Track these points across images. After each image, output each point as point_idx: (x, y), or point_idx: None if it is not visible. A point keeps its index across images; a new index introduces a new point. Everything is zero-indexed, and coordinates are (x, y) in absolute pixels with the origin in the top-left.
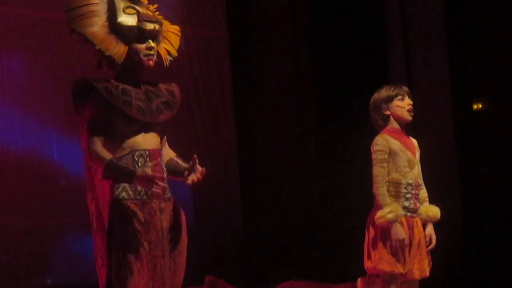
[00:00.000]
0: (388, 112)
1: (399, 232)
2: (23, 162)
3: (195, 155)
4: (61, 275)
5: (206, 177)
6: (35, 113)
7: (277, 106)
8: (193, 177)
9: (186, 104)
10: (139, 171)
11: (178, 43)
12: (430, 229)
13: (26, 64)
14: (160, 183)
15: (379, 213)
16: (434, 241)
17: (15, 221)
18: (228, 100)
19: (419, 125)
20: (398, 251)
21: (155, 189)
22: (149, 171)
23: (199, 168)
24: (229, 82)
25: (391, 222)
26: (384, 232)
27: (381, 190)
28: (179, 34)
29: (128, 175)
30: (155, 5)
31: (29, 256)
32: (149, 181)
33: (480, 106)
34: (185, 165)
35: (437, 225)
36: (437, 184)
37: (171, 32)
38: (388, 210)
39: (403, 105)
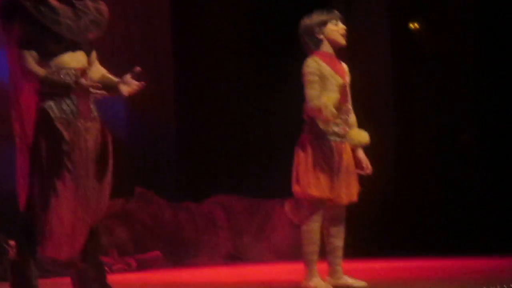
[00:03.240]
0: (321, 36)
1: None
2: None
3: (138, 68)
4: None
5: (142, 91)
6: None
7: (215, 24)
8: (128, 89)
9: (124, 19)
10: (73, 83)
11: None
12: (361, 153)
13: None
14: (98, 91)
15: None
16: (369, 165)
17: None
18: (165, 15)
19: (355, 48)
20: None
21: (96, 93)
22: (83, 80)
23: (134, 82)
24: None
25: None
26: (314, 157)
27: (319, 103)
28: None
29: (65, 87)
30: None
31: None
32: (86, 89)
33: (417, 25)
34: (116, 79)
35: (369, 149)
36: (371, 108)
37: None
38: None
39: (337, 29)
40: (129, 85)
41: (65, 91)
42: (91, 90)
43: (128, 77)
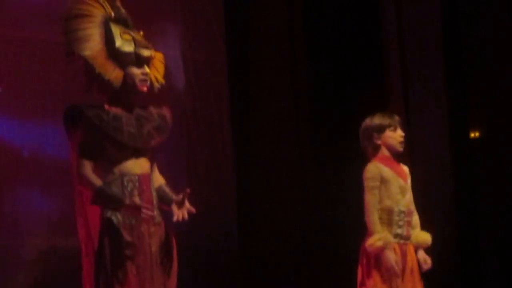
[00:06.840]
0: (379, 142)
1: (389, 259)
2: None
3: (188, 190)
4: None
5: (202, 203)
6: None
7: (274, 131)
8: (179, 215)
9: (185, 128)
10: (127, 201)
11: (163, 71)
12: (421, 253)
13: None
14: (148, 212)
15: (369, 241)
16: (429, 261)
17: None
18: (226, 124)
19: (417, 153)
20: (391, 277)
21: (143, 215)
22: (137, 200)
23: (187, 205)
24: (227, 108)
25: (381, 250)
26: (378, 260)
27: (372, 218)
28: (164, 61)
29: (116, 203)
30: (142, 32)
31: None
32: (136, 209)
33: (477, 134)
34: (172, 195)
35: (432, 252)
36: (433, 211)
37: (157, 59)
38: (377, 238)
39: (394, 136)
40: (182, 210)
41: (116, 207)
42: (143, 210)
43: (183, 199)
